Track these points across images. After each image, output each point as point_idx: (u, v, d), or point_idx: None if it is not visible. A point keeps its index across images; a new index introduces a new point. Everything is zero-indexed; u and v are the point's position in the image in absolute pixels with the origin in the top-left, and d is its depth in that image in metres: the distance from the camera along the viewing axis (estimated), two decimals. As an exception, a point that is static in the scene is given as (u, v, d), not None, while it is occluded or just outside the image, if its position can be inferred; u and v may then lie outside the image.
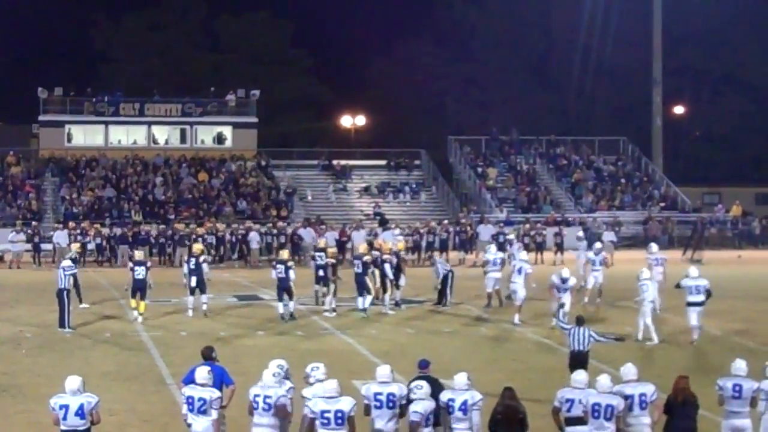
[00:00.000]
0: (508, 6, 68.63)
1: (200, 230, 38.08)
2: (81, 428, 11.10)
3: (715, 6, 64.31)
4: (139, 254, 25.34)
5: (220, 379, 12.12)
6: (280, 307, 23.91)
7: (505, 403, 11.47)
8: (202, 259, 24.60)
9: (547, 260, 37.95)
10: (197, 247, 26.35)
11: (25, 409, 15.22)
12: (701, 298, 20.99)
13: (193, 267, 24.25)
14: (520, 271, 24.08)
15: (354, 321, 23.93)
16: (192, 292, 24.29)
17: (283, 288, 23.74)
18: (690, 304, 20.93)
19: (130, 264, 24.63)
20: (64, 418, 11.09)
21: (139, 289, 23.57)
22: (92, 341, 21.12)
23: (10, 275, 34.63)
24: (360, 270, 24.54)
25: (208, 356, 12.79)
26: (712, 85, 72.93)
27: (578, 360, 15.36)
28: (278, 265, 23.98)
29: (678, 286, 21.49)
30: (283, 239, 38.71)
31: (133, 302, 23.91)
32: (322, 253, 25.56)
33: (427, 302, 26.63)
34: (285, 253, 25.26)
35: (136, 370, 18.12)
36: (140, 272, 23.55)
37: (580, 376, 12.03)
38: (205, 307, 24.55)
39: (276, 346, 20.00)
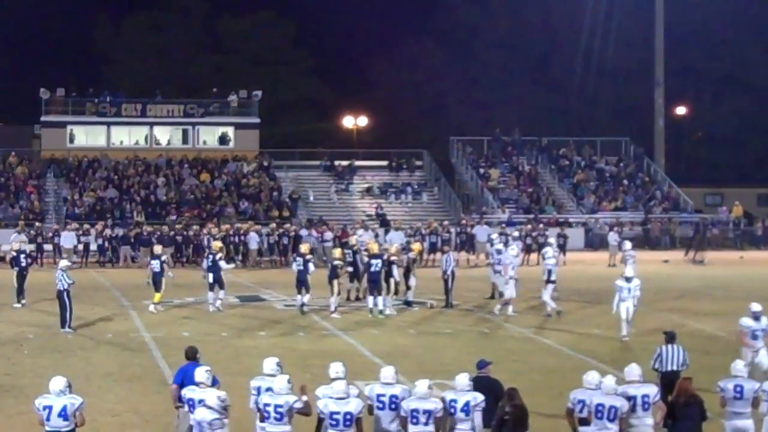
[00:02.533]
0: (510, 6, 68.61)
1: (215, 230, 38.09)
2: (64, 429, 11.06)
3: (717, 6, 64.27)
4: (157, 249, 26.83)
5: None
6: (299, 299, 24.81)
7: (512, 404, 11.48)
8: (219, 256, 25.72)
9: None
10: (216, 244, 27.26)
11: (27, 410, 15.18)
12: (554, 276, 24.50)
13: (210, 264, 25.36)
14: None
15: (356, 322, 23.92)
16: (211, 288, 25.36)
17: (301, 280, 24.58)
18: (549, 282, 24.37)
19: (149, 258, 26.74)
20: (48, 419, 11.07)
21: (157, 282, 25.35)
22: (94, 342, 21.13)
23: (11, 275, 34.54)
24: (377, 269, 24.63)
25: (192, 356, 12.77)
26: (714, 85, 72.89)
27: (672, 382, 13.02)
28: (298, 258, 25.00)
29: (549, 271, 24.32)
30: (286, 240, 38.78)
31: (157, 296, 25.41)
32: (350, 251, 26.93)
33: (429, 302, 26.62)
34: (305, 247, 25.86)
35: (138, 371, 18.12)
36: (156, 265, 25.39)
37: (591, 376, 12.01)
38: (219, 303, 25.49)
39: (277, 347, 20.01)
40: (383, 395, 11.63)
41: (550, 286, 24.59)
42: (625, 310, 21.22)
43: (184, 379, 12.53)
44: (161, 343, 20.68)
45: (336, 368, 11.98)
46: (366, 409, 11.43)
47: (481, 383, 11.90)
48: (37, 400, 11.26)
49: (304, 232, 39.01)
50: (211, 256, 25.67)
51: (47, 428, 11.09)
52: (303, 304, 24.78)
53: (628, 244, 28.43)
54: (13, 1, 63.95)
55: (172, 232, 38.60)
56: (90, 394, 13.51)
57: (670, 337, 14.42)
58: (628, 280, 21.44)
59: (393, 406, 11.58)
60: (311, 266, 24.71)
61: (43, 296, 27.13)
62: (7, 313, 25.14)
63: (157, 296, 25.45)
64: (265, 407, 11.33)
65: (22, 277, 26.61)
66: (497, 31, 71.19)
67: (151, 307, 25.33)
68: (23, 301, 26.30)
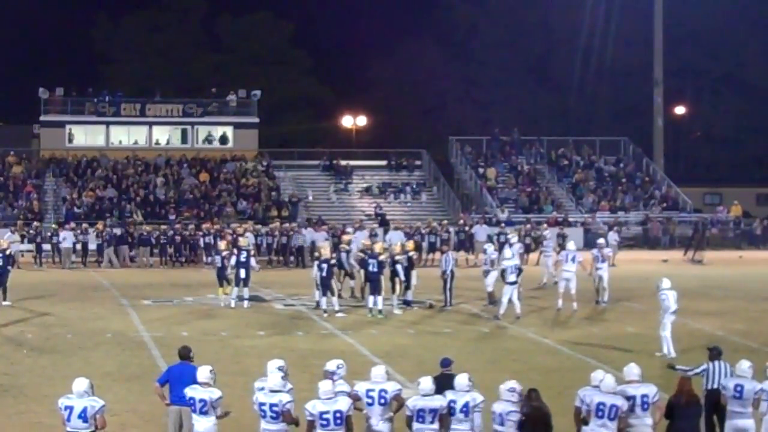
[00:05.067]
0: (509, 6, 68.65)
1: (239, 229, 37.95)
2: (83, 431, 11.07)
3: (716, 6, 64.33)
4: (221, 245, 27.37)
5: (194, 380, 12.02)
6: (324, 302, 24.91)
7: (531, 405, 11.48)
8: (252, 252, 26.68)
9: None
10: (244, 241, 27.63)
11: (26, 410, 15.22)
12: (515, 277, 24.00)
13: (243, 260, 25.84)
14: (573, 259, 25.75)
15: (355, 322, 23.91)
16: (237, 283, 25.87)
17: (326, 285, 24.83)
18: (508, 283, 23.92)
19: (213, 252, 28.22)
20: (68, 420, 11.09)
21: (221, 277, 26.09)
22: (93, 342, 21.09)
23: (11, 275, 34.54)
24: (375, 269, 24.66)
25: (185, 356, 12.74)
26: (712, 85, 72.97)
27: (719, 400, 12.69)
28: (323, 265, 24.91)
29: (503, 271, 24.27)
30: (285, 240, 38.73)
31: (220, 291, 26.17)
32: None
33: (428, 302, 26.63)
34: (326, 251, 25.76)
35: (137, 371, 18.11)
36: (218, 261, 26.25)
37: (600, 375, 12.03)
38: (246, 303, 25.86)
39: (276, 347, 20.01)
40: (372, 390, 11.65)
41: (509, 288, 23.95)
42: (669, 326, 19.67)
43: (170, 378, 12.56)
44: (160, 343, 20.67)
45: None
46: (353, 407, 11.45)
47: (446, 381, 11.93)
48: (60, 399, 11.27)
49: (305, 233, 38.75)
50: (244, 252, 26.01)
51: (68, 429, 11.09)
52: (338, 311, 24.66)
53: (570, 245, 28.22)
54: (12, 1, 63.93)
55: (171, 232, 38.60)
56: (89, 394, 13.48)
57: (716, 353, 13.38)
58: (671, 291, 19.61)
59: (382, 401, 11.61)
60: (352, 259, 25.48)
61: (42, 296, 27.15)
62: (6, 313, 25.10)
63: (229, 289, 25.96)
64: (261, 406, 11.35)
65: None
66: (496, 31, 71.25)
67: (231, 303, 25.80)
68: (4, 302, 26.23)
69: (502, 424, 11.36)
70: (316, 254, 26.20)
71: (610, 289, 26.91)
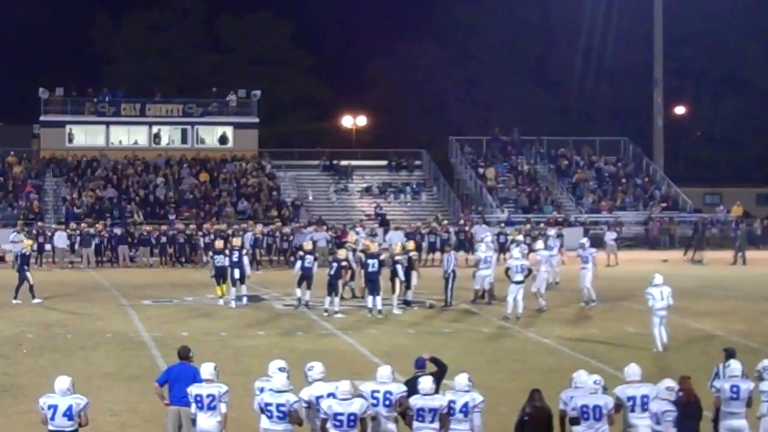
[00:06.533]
0: (509, 6, 68.61)
1: (256, 229, 37.95)
2: (68, 429, 11.10)
3: (716, 6, 64.31)
4: (219, 244, 27.23)
5: (193, 380, 12.10)
6: (327, 302, 24.77)
7: (534, 405, 11.48)
8: (245, 252, 26.83)
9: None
10: (236, 241, 27.70)
11: (26, 410, 15.21)
12: (521, 277, 23.82)
13: (236, 260, 25.89)
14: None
15: (355, 322, 23.91)
16: (233, 283, 25.86)
17: (332, 284, 24.68)
18: (515, 282, 23.71)
19: (210, 253, 28.11)
20: (52, 418, 11.11)
21: (222, 275, 25.98)
22: (93, 342, 21.10)
23: (11, 275, 34.53)
24: (375, 269, 24.64)
25: (184, 356, 12.79)
26: (713, 85, 72.92)
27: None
28: (334, 263, 24.90)
29: (507, 269, 24.14)
30: (286, 243, 38.65)
31: (218, 290, 26.05)
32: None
33: (428, 302, 26.64)
34: (342, 253, 25.81)
35: (137, 371, 18.12)
36: (220, 260, 26.05)
37: (582, 375, 12.02)
38: (245, 300, 26.09)
39: (277, 347, 20.01)
40: (377, 391, 11.67)
41: (515, 287, 23.80)
42: (661, 326, 19.79)
43: (169, 378, 12.59)
44: (160, 343, 20.68)
45: (319, 369, 12.00)
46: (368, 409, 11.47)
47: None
48: (41, 398, 11.27)
49: (306, 233, 38.72)
50: (236, 252, 26.10)
51: (51, 427, 11.11)
52: (337, 312, 24.65)
53: (587, 243, 27.99)
54: (12, 1, 63.92)
55: (171, 232, 38.58)
56: (89, 394, 13.45)
57: (730, 354, 13.29)
58: (658, 287, 19.90)
59: (387, 402, 11.63)
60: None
61: (42, 295, 27.13)
62: (6, 312, 25.11)
63: (224, 288, 26.08)
64: (267, 406, 11.35)
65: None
66: (496, 31, 71.21)
67: (220, 302, 25.95)
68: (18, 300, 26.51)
69: (658, 423, 11.32)
70: (300, 252, 26.33)
71: (597, 289, 26.63)
